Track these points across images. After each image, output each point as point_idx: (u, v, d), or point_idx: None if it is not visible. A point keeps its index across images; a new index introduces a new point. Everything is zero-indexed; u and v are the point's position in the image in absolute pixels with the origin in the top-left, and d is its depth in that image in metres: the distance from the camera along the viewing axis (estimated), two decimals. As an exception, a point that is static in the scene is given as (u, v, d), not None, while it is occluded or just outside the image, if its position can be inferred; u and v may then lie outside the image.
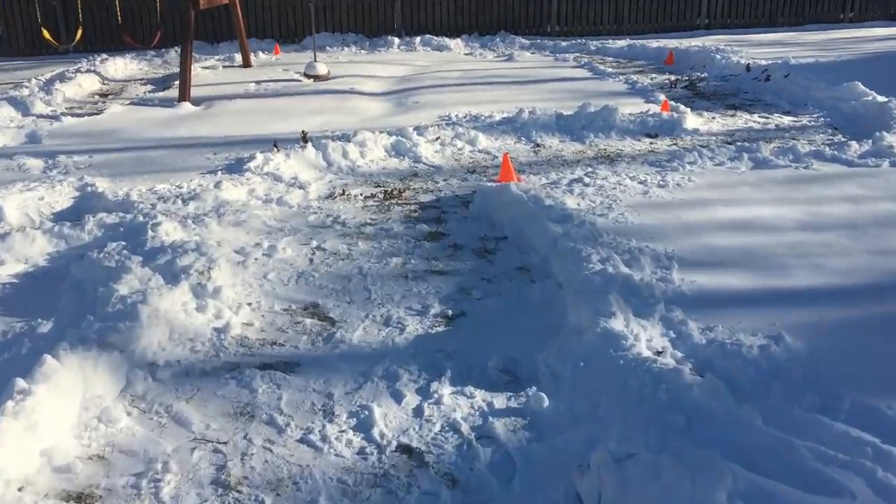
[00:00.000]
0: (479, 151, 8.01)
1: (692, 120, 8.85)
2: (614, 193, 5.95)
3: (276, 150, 7.31)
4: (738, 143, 7.51)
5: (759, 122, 9.10)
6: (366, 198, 6.50)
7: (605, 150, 8.02)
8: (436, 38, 16.65)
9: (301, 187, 6.62)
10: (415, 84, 11.80)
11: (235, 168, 7.03)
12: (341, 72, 12.83)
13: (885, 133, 7.48)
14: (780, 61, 12.23)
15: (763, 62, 12.30)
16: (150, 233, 4.74)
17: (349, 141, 7.70)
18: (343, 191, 6.62)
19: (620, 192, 6.01)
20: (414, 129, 8.16)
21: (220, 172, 6.93)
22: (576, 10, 17.51)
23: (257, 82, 12.19)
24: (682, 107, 9.25)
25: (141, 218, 5.33)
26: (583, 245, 4.67)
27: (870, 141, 7.26)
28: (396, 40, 16.60)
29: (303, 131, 7.79)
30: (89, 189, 6.44)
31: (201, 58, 15.62)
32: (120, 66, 14.65)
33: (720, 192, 6.02)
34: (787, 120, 9.20)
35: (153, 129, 9.01)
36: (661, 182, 6.24)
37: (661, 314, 3.81)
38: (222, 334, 4.00)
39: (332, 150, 7.45)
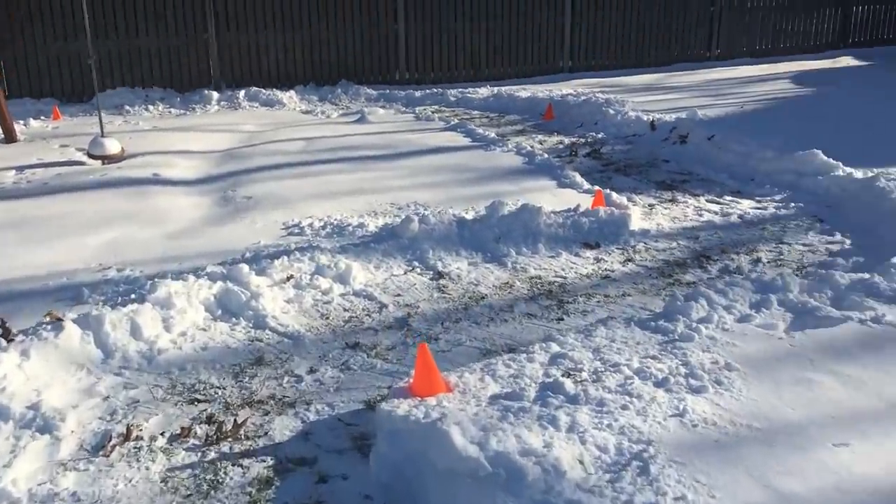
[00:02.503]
0: (357, 295, 5.18)
1: (637, 218, 6.49)
2: (630, 420, 3.30)
3: (4, 341, 4.13)
4: (747, 275, 5.10)
5: (715, 213, 6.88)
6: (171, 441, 3.52)
7: (539, 278, 5.45)
8: (264, 91, 13.62)
9: (45, 430, 3.53)
10: (244, 163, 8.77)
11: (-81, 392, 3.80)
12: (141, 147, 9.55)
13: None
14: (685, 115, 10.29)
15: (666, 117, 10.29)
16: None
17: (143, 301, 4.65)
18: (128, 429, 3.58)
19: (638, 414, 3.36)
20: (251, 266, 5.20)
21: None
22: (426, 54, 15.02)
23: (19, 169, 8.71)
24: (615, 196, 6.86)
25: None
26: None
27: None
28: (215, 95, 13.41)
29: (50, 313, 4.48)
30: None
31: (-49, 127, 11.78)
32: None
33: (790, 394, 3.51)
34: (746, 206, 7.05)
35: None
36: (688, 378, 3.65)
37: None
38: None
39: (112, 326, 4.36)
